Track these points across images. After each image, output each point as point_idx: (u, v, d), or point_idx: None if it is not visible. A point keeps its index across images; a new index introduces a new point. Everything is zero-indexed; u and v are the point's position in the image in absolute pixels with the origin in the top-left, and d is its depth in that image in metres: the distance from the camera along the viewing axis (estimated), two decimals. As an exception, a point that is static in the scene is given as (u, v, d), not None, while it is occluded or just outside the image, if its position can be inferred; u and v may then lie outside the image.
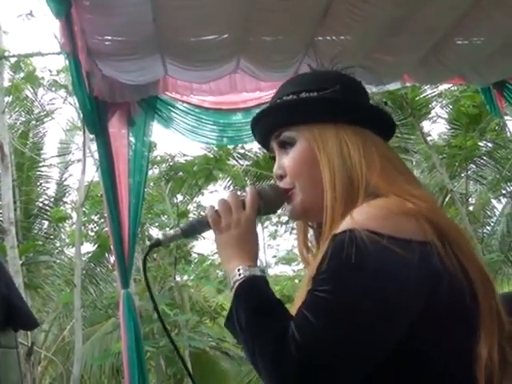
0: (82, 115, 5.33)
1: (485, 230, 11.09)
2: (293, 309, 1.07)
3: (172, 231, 1.24)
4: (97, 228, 9.67)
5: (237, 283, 1.12)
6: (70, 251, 9.89)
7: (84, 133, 7.14)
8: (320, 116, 1.19)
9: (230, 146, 9.45)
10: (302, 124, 1.20)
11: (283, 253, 12.25)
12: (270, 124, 1.25)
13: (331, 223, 1.11)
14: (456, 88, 8.42)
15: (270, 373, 0.99)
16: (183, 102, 4.75)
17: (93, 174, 8.09)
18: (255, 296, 1.08)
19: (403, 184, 1.13)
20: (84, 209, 8.64)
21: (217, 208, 1.20)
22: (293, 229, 10.89)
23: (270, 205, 1.23)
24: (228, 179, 10.43)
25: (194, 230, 1.23)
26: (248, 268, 1.12)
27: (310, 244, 1.29)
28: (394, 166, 1.18)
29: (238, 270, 1.12)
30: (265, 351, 1.00)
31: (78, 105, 6.68)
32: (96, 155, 6.41)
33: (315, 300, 0.99)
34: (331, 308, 0.97)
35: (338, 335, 0.96)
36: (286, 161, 1.22)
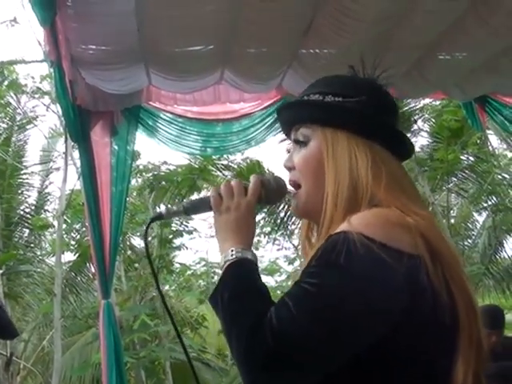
0: (64, 123, 5.31)
1: (466, 243, 11.18)
2: None
3: (175, 206, 1.28)
4: (78, 237, 9.59)
5: (228, 262, 1.15)
6: (51, 260, 9.80)
7: (66, 140, 7.10)
8: (335, 122, 1.21)
9: (215, 156, 9.44)
10: (319, 125, 1.23)
11: (266, 264, 12.24)
12: (291, 118, 1.29)
13: (328, 227, 1.14)
14: (438, 103, 8.51)
15: (243, 355, 1.01)
16: (167, 111, 4.75)
17: (74, 182, 8.04)
18: (241, 277, 1.11)
19: (406, 201, 1.16)
20: (65, 217, 8.57)
21: (220, 191, 1.24)
22: (275, 240, 10.90)
23: (271, 195, 1.27)
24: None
25: (196, 208, 1.27)
26: (241, 250, 1.16)
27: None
28: (400, 184, 1.20)
29: (232, 250, 1.16)
30: (241, 332, 1.02)
31: (61, 112, 6.67)
32: (78, 163, 6.39)
33: (299, 291, 1.02)
34: (313, 301, 0.99)
35: (316, 330, 0.98)
36: (296, 157, 1.26)
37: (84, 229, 8.96)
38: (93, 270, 8.80)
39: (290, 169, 1.27)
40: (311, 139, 1.23)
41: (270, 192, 1.27)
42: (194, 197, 10.35)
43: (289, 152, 1.30)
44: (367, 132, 1.21)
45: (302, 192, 1.23)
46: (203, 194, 10.26)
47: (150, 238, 9.29)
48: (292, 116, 1.29)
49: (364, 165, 1.17)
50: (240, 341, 1.01)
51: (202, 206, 1.27)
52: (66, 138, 7.04)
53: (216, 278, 11.79)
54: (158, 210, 9.76)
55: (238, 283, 1.10)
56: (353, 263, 1.01)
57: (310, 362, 0.99)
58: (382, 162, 1.20)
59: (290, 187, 1.29)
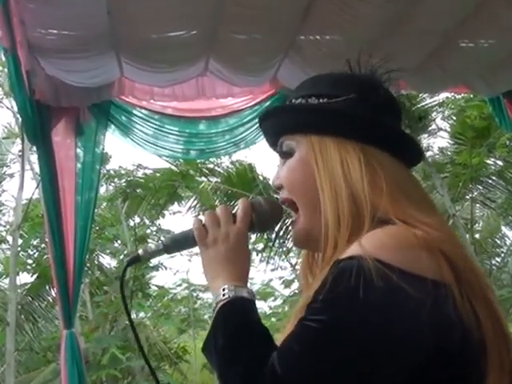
0: (20, 121, 5.31)
1: (494, 262, 11.20)
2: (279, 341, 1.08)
3: (153, 245, 1.28)
4: (36, 254, 9.56)
5: (219, 304, 1.15)
6: (4, 282, 9.75)
7: (23, 142, 7.09)
8: (320, 126, 1.22)
9: (199, 160, 9.45)
10: (303, 133, 1.23)
11: (258, 287, 12.23)
12: (272, 128, 1.30)
13: (333, 252, 1.13)
14: (460, 96, 8.54)
15: None
16: (142, 107, 4.77)
17: (32, 190, 8.02)
18: (237, 320, 1.11)
19: (413, 211, 1.15)
20: (21, 231, 8.54)
21: (204, 221, 1.24)
22: (270, 258, 10.89)
23: (264, 220, 1.27)
24: (194, 199, 10.41)
25: (178, 244, 1.27)
26: (234, 288, 1.16)
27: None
28: (404, 191, 1.19)
29: (223, 289, 1.16)
30: (240, 380, 1.02)
31: (16, 108, 6.67)
32: (37, 168, 6.38)
33: (305, 330, 1.01)
34: (323, 341, 0.99)
35: (325, 374, 0.98)
36: (282, 172, 1.26)
37: (44, 245, 8.94)
38: (54, 294, 8.77)
39: (279, 187, 1.27)
40: (296, 150, 1.24)
41: (263, 216, 1.27)
42: (176, 207, 10.36)
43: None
44: (358, 134, 1.20)
45: (300, 213, 1.24)
46: (182, 204, 10.26)
47: (121, 257, 9.28)
48: (273, 126, 1.29)
49: (357, 171, 1.17)
50: None
51: (184, 241, 1.27)
52: (22, 138, 7.03)
53: (199, 303, 11.77)
54: (135, 227, 9.76)
55: (233, 328, 1.10)
56: (371, 298, 1.00)
57: None
58: (379, 167, 1.19)
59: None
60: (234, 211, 1.25)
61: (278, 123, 1.28)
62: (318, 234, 1.19)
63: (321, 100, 1.24)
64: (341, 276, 1.03)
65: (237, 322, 1.11)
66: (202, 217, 1.26)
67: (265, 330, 1.10)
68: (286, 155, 1.26)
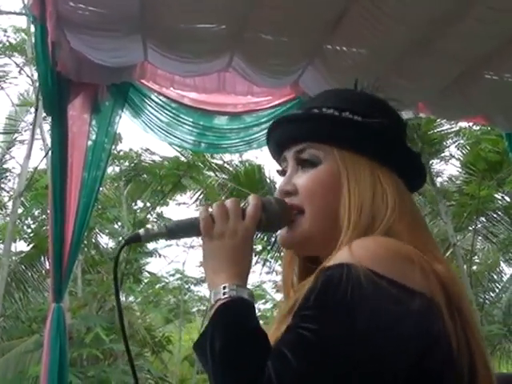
0: (39, 90, 5.33)
1: (487, 296, 11.18)
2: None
3: (156, 227, 1.24)
4: (36, 225, 9.59)
5: (219, 302, 1.12)
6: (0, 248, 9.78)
7: (36, 110, 7.12)
8: (358, 144, 1.21)
9: (208, 154, 9.47)
10: (334, 146, 1.22)
11: (250, 287, 12.25)
12: (297, 133, 1.26)
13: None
14: (478, 128, 8.55)
15: None
16: (160, 94, 4.78)
17: (40, 160, 8.04)
18: (237, 324, 1.09)
19: (428, 244, 1.17)
20: (23, 199, 8.57)
21: (211, 212, 1.21)
22: (266, 261, 10.90)
23: (273, 221, 1.24)
24: (200, 192, 10.43)
25: (182, 230, 1.24)
26: (236, 288, 1.13)
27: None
28: (422, 223, 1.23)
29: (224, 287, 1.13)
30: None
31: (36, 77, 6.69)
32: (48, 139, 6.40)
33: (297, 339, 1.01)
34: (315, 351, 0.99)
35: (321, 382, 0.98)
36: (301, 180, 1.24)
37: (44, 216, 8.96)
38: (47, 266, 8.80)
39: (289, 193, 1.25)
40: (322, 161, 1.22)
41: (272, 216, 1.23)
42: (180, 198, 10.37)
43: (283, 174, 1.28)
44: (392, 159, 1.21)
45: (305, 218, 1.22)
46: (187, 196, 10.27)
47: (120, 238, 9.29)
48: (299, 131, 1.26)
49: (392, 198, 1.18)
50: None
51: (189, 228, 1.23)
52: (36, 107, 7.06)
53: (189, 296, 11.78)
54: (137, 211, 9.77)
55: (233, 331, 1.08)
56: (360, 305, 1.00)
57: None
58: (406, 194, 1.22)
59: None
60: (243, 206, 1.22)
61: (305, 131, 1.25)
62: (320, 241, 1.20)
63: (355, 117, 1.23)
64: (329, 283, 1.03)
65: (236, 326, 1.09)
66: (210, 207, 1.22)
67: (264, 336, 1.08)
68: (307, 163, 1.24)
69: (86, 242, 8.71)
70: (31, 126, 7.79)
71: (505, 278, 11.36)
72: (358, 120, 1.22)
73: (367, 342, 0.99)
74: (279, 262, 11.15)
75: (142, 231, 1.24)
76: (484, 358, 1.11)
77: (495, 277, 11.44)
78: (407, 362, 1.02)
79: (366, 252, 1.05)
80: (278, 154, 1.31)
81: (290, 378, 0.98)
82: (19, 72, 9.23)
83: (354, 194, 1.18)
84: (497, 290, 11.38)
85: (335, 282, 1.02)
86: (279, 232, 1.26)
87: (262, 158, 10.55)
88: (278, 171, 1.32)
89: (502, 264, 11.37)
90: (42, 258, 9.41)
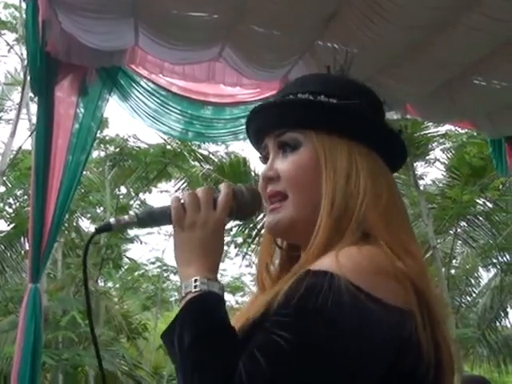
0: (27, 69, 5.29)
1: (464, 300, 11.27)
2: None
3: (127, 216, 1.22)
4: (17, 205, 9.52)
5: (189, 296, 1.11)
6: (-22, 226, 9.71)
7: (23, 89, 7.06)
8: (336, 127, 1.20)
9: (194, 143, 9.45)
10: (312, 130, 1.20)
11: (229, 279, 12.25)
12: (275, 119, 1.25)
13: (317, 248, 1.12)
14: (463, 132, 8.58)
15: None
16: (149, 80, 4.76)
17: (24, 140, 7.99)
18: (207, 319, 1.08)
19: (401, 234, 1.16)
20: (6, 179, 8.51)
21: (183, 201, 1.19)
22: (246, 254, 10.92)
23: (244, 210, 1.23)
24: (183, 181, 10.41)
25: (153, 219, 1.23)
26: (207, 281, 1.12)
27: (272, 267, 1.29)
28: (398, 208, 1.21)
29: (195, 280, 1.12)
30: None
31: (25, 56, 6.64)
32: (33, 119, 6.35)
33: (271, 345, 1.00)
34: (288, 361, 0.98)
35: None
36: (283, 165, 1.22)
37: (26, 197, 8.91)
38: (27, 246, 8.75)
39: (271, 179, 1.23)
40: (303, 144, 1.21)
41: (243, 205, 1.22)
42: (164, 186, 10.35)
43: (265, 161, 1.27)
44: (369, 139, 1.20)
45: (288, 203, 1.20)
46: (170, 185, 10.25)
47: (100, 222, 9.25)
48: (278, 117, 1.24)
49: (364, 182, 1.17)
50: None
51: (160, 217, 1.22)
52: (23, 86, 7.01)
53: (168, 284, 11.76)
54: (120, 197, 9.74)
55: (203, 326, 1.06)
56: (338, 317, 1.00)
57: None
58: (383, 177, 1.20)
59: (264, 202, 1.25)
60: (215, 195, 1.20)
61: (283, 116, 1.24)
62: (303, 227, 1.18)
63: (330, 100, 1.22)
64: (311, 292, 1.02)
65: (206, 322, 1.07)
66: (182, 196, 1.20)
67: (232, 331, 1.07)
68: (288, 147, 1.22)
69: (67, 225, 8.67)
70: (17, 106, 7.72)
71: (482, 283, 11.46)
72: (334, 102, 1.21)
73: (340, 355, 0.99)
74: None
75: (112, 220, 1.22)
76: (450, 356, 1.13)
77: (472, 281, 11.52)
78: (377, 374, 1.03)
79: (350, 263, 1.05)
80: (258, 141, 1.30)
81: (260, 381, 0.97)
82: (8, 50, 9.15)
83: (329, 179, 1.17)
84: (473, 295, 11.47)
85: (317, 290, 1.01)
86: (265, 219, 1.26)
87: (248, 150, 10.54)
88: (259, 158, 1.30)
89: (480, 269, 11.45)
90: (22, 239, 9.35)
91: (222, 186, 1.22)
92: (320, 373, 0.99)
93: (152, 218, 1.23)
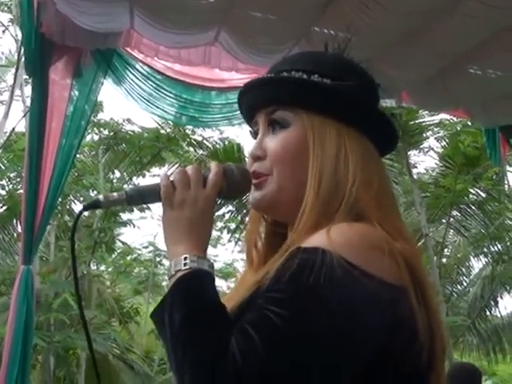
0: (22, 50, 5.26)
1: (455, 289, 11.32)
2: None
3: (116, 193, 1.21)
4: (10, 187, 9.50)
5: (179, 273, 1.10)
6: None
7: (17, 70, 7.03)
8: (327, 108, 1.19)
9: (188, 128, 9.43)
10: (303, 109, 1.19)
11: (221, 264, 12.28)
12: (267, 96, 1.24)
13: (305, 227, 1.12)
14: (458, 120, 8.57)
15: None
16: (144, 64, 4.75)
17: (17, 121, 7.95)
18: (198, 297, 1.07)
19: (393, 218, 1.16)
20: (0, 163, 8.48)
21: (173, 179, 1.18)
22: (239, 240, 10.93)
23: (234, 189, 1.22)
24: (177, 166, 10.39)
25: (142, 197, 1.21)
26: (196, 259, 1.11)
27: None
28: (389, 194, 1.20)
29: (185, 257, 1.11)
30: (198, 366, 1.00)
31: (20, 37, 6.59)
32: (28, 101, 6.32)
33: (265, 321, 0.99)
34: (283, 339, 0.98)
35: (286, 371, 0.97)
36: (271, 143, 1.21)
37: (19, 179, 8.88)
38: (19, 229, 8.74)
39: (258, 158, 1.22)
40: (292, 123, 1.20)
41: (233, 185, 1.21)
42: (157, 171, 10.34)
43: (255, 136, 1.26)
44: (361, 122, 1.19)
45: (273, 178, 1.20)
46: (169, 168, 10.24)
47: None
48: (269, 94, 1.23)
49: (354, 164, 1.16)
50: (197, 376, 1.00)
51: (149, 195, 1.20)
52: (17, 67, 6.97)
53: (160, 268, 11.77)
54: (114, 180, 9.72)
55: (193, 304, 1.05)
56: (332, 294, 1.00)
57: None
58: (373, 161, 1.19)
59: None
60: (205, 173, 1.19)
61: (275, 94, 1.23)
62: (288, 204, 1.18)
63: (324, 79, 1.20)
64: (303, 268, 1.01)
65: (197, 299, 1.06)
66: (171, 174, 1.19)
67: (223, 309, 1.06)
68: (277, 125, 1.21)
69: (60, 208, 8.65)
70: (11, 87, 7.67)
71: (473, 273, 11.51)
72: (327, 83, 1.20)
73: (335, 331, 0.99)
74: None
75: (101, 197, 1.21)
76: (442, 339, 1.13)
77: (464, 270, 11.58)
78: (371, 351, 1.03)
79: (342, 239, 1.05)
80: (249, 117, 1.29)
81: (254, 358, 0.97)
82: (3, 31, 9.09)
83: (316, 160, 1.17)
84: (464, 284, 11.53)
85: (309, 266, 1.01)
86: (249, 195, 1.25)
87: (243, 137, 10.53)
88: (250, 132, 1.30)
89: (471, 258, 11.49)
90: (15, 221, 9.34)
91: (212, 165, 1.21)
92: (314, 350, 0.99)
93: (141, 195, 1.21)
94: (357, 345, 1.01)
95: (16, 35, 8.43)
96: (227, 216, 10.37)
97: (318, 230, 1.09)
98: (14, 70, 8.22)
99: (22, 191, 5.25)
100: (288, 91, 1.22)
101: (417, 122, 9.03)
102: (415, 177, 9.15)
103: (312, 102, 1.20)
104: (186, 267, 1.10)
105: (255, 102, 1.26)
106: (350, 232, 1.07)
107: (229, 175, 1.21)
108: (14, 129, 7.82)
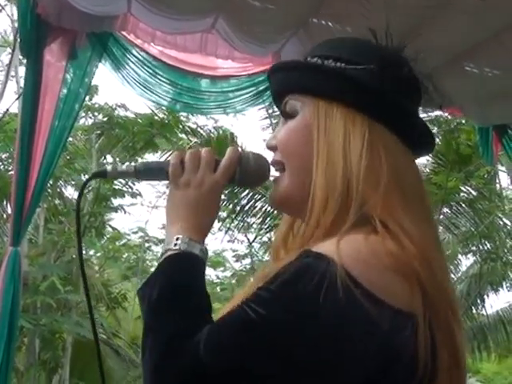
0: (17, 30, 5.23)
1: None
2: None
3: (124, 165, 1.19)
4: (2, 167, 9.45)
5: (168, 253, 1.09)
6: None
7: (13, 51, 6.98)
8: (330, 91, 1.12)
9: (183, 115, 9.40)
10: (311, 95, 1.14)
11: (210, 253, 12.26)
12: (280, 84, 1.21)
13: (313, 231, 1.06)
14: (452, 118, 8.57)
15: (152, 372, 0.97)
16: (140, 48, 4.72)
17: (12, 102, 7.91)
18: (179, 276, 1.05)
19: (400, 213, 1.05)
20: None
21: (184, 159, 1.16)
22: (229, 229, 10.91)
23: (247, 177, 1.19)
24: (170, 153, 10.36)
25: (150, 172, 1.20)
26: (188, 241, 1.09)
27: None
28: (400, 184, 1.09)
29: (177, 238, 1.09)
30: (159, 343, 0.98)
31: (15, 17, 6.55)
32: (22, 83, 6.28)
33: (240, 315, 0.96)
34: (248, 336, 0.94)
35: (236, 369, 0.94)
36: (279, 132, 1.18)
37: (10, 161, 8.84)
38: (9, 210, 8.70)
39: (273, 148, 1.18)
40: (299, 112, 1.15)
41: (247, 172, 1.18)
42: (150, 157, 10.31)
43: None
44: (369, 108, 1.10)
45: (286, 174, 1.15)
46: (157, 156, 10.21)
47: (85, 191, 9.20)
48: (281, 81, 1.20)
49: (357, 149, 1.07)
50: (154, 353, 0.98)
51: (157, 172, 1.19)
52: (13, 48, 6.93)
53: (149, 254, 11.78)
54: (107, 164, 9.68)
55: (173, 283, 1.04)
56: (322, 308, 0.93)
57: None
58: (383, 150, 1.09)
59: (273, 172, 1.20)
60: (218, 158, 1.17)
61: (287, 80, 1.18)
62: (299, 200, 1.11)
63: (338, 64, 1.14)
64: (302, 274, 0.96)
65: (177, 281, 1.04)
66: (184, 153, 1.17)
67: (204, 298, 1.04)
68: (287, 115, 1.17)
69: (50, 191, 8.63)
70: (6, 67, 7.64)
71: (460, 271, 11.56)
72: (341, 67, 1.14)
73: (305, 351, 0.93)
74: (242, 231, 11.19)
75: (109, 168, 1.20)
76: (455, 354, 1.04)
77: (452, 268, 11.61)
78: (364, 376, 0.95)
79: (351, 252, 0.97)
80: (277, 102, 1.23)
81: (215, 351, 0.94)
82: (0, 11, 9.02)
83: (323, 147, 1.10)
84: (452, 282, 11.56)
85: (309, 274, 0.95)
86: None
87: (237, 126, 10.51)
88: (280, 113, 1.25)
89: (459, 256, 11.54)
90: (5, 202, 9.30)
91: (229, 150, 1.18)
92: (273, 360, 0.93)
93: (149, 170, 1.20)
94: (329, 372, 0.95)
95: (12, 15, 8.38)
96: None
97: (326, 228, 1.04)
98: (9, 50, 8.19)
99: (12, 172, 5.23)
100: (297, 77, 1.18)
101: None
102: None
103: (319, 87, 1.14)
104: (176, 248, 1.09)
105: (276, 90, 1.23)
106: (361, 246, 0.99)
107: (243, 162, 1.18)
108: (7, 109, 7.78)
